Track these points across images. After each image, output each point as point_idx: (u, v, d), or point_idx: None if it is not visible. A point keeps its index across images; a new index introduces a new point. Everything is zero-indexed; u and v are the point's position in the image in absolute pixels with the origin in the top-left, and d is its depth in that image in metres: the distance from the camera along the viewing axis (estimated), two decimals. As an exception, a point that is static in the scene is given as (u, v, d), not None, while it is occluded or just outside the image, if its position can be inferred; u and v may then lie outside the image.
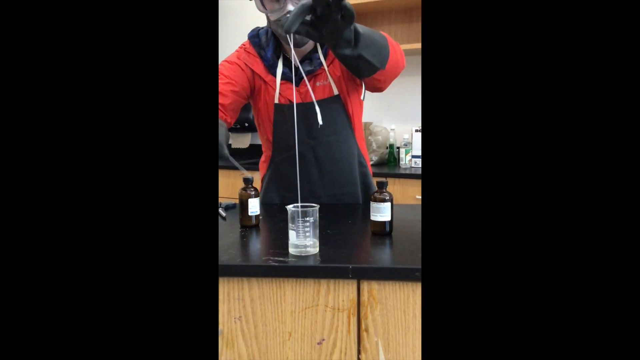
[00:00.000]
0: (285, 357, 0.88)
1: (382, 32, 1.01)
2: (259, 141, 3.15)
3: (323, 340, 0.87)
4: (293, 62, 1.14)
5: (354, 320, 0.86)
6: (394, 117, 2.83)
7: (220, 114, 1.19)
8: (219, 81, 1.21)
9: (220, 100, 1.19)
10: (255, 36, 1.29)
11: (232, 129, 3.04)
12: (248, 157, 3.09)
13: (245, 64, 1.27)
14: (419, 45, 2.46)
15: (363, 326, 0.86)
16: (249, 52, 1.28)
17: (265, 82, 1.28)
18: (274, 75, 1.27)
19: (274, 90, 1.27)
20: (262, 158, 1.44)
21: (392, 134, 2.66)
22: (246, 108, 2.90)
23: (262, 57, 1.27)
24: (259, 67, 1.27)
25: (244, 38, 1.40)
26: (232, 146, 3.16)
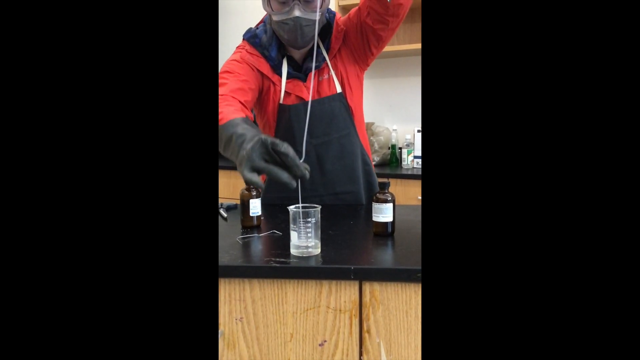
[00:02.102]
0: (287, 358, 0.88)
1: None
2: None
3: (325, 341, 0.87)
4: (315, 50, 1.06)
5: (355, 321, 0.86)
6: (396, 117, 2.82)
7: (245, 111, 1.13)
8: (237, 78, 1.18)
9: (243, 97, 1.16)
10: (254, 37, 1.27)
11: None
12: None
13: (253, 65, 1.24)
14: (420, 46, 2.45)
15: (365, 327, 0.86)
16: (251, 54, 1.26)
17: (272, 82, 1.27)
18: (280, 75, 1.26)
19: (280, 90, 1.27)
20: None
21: (394, 134, 2.65)
22: (248, 108, 2.90)
23: (266, 57, 1.25)
24: (265, 68, 1.26)
25: (243, 38, 1.39)
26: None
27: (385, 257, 0.89)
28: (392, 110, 2.84)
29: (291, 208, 0.89)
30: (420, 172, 2.30)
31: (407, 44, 2.66)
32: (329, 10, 1.27)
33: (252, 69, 1.24)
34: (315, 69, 1.25)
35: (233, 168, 2.67)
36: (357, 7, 1.23)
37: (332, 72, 1.27)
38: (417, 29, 2.70)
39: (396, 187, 2.28)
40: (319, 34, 1.26)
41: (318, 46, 1.27)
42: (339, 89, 1.28)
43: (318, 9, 1.10)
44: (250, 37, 1.27)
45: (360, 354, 0.87)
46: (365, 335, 0.86)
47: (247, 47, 1.27)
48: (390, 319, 0.85)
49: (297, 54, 1.27)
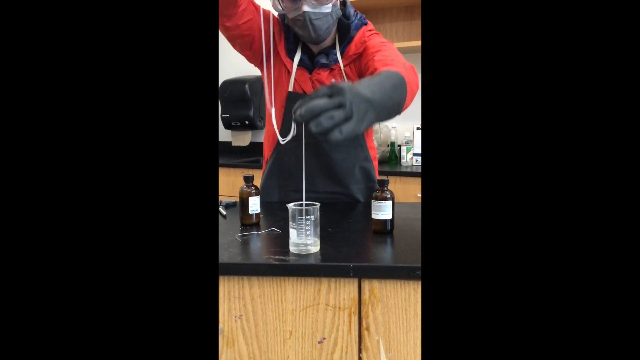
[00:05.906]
0: (286, 356, 0.88)
1: (403, 69, 0.91)
2: (259, 139, 3.14)
3: (324, 339, 0.87)
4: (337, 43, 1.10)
5: (355, 319, 0.86)
6: (394, 115, 2.81)
7: None
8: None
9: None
10: (283, 15, 1.26)
11: (232, 127, 3.02)
12: (248, 155, 3.08)
13: (273, 31, 1.25)
14: (420, 43, 2.45)
15: (364, 325, 0.86)
16: (280, 24, 1.27)
17: (285, 66, 1.28)
18: (292, 59, 1.27)
19: (290, 74, 1.27)
20: (267, 134, 1.39)
21: (393, 131, 2.65)
22: (246, 106, 2.89)
23: (286, 37, 1.27)
24: (282, 46, 1.27)
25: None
26: (232, 144, 3.15)
27: (385, 255, 0.89)
28: (391, 107, 2.82)
29: (290, 206, 0.89)
30: (419, 170, 2.30)
31: (406, 41, 2.66)
32: (360, 18, 1.27)
33: (264, 23, 1.20)
34: (326, 66, 1.26)
35: (232, 166, 2.67)
36: (380, 62, 1.16)
37: (346, 79, 1.26)
38: (416, 25, 2.69)
39: (395, 185, 2.29)
40: (336, 31, 1.26)
41: (333, 46, 1.27)
42: None
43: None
44: (281, 14, 1.27)
45: (360, 351, 0.87)
46: (365, 332, 0.86)
47: (277, 17, 1.29)
48: (390, 317, 0.85)
49: (315, 48, 1.28)
